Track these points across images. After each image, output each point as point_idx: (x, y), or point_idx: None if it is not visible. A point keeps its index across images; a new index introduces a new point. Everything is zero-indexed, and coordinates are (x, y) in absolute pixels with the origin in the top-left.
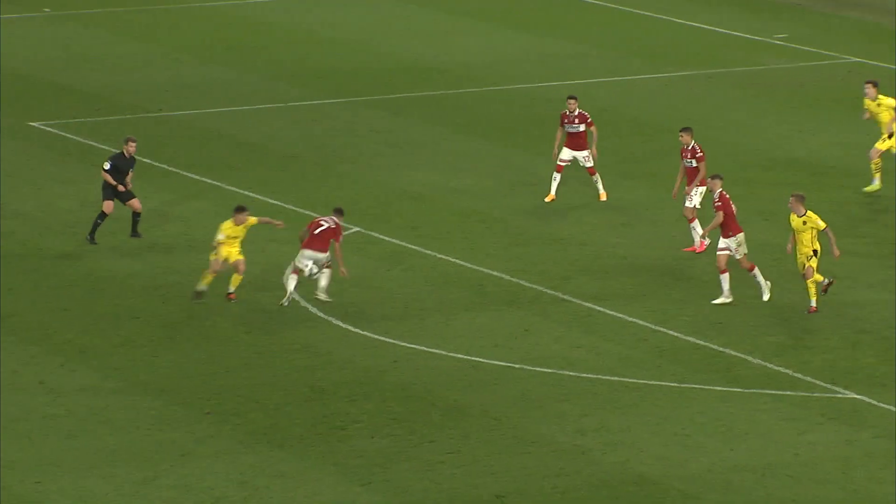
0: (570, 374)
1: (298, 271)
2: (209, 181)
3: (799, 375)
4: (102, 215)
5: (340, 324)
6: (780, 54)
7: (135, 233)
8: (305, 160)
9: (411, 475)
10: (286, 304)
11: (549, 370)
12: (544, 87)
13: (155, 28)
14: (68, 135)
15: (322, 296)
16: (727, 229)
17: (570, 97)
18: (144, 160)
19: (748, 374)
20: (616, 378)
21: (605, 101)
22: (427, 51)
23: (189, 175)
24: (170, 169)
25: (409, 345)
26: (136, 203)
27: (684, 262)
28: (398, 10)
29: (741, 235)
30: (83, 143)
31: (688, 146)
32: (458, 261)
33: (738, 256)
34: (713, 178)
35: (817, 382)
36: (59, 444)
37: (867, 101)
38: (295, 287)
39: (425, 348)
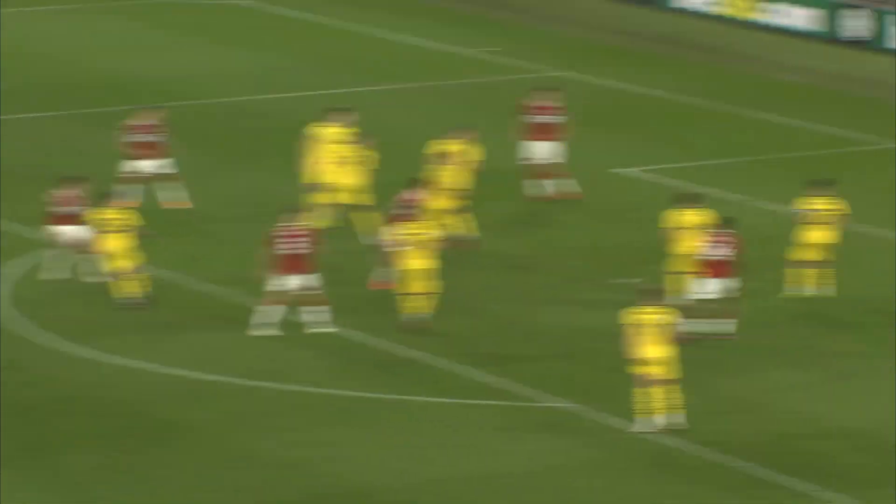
0: (283, 387)
1: None
2: None
3: (513, 386)
4: None
5: (48, 340)
6: (488, 69)
7: None
8: (13, 175)
9: (120, 492)
10: None
11: (262, 384)
12: (246, 101)
13: None
14: None
15: None
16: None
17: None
18: None
19: (462, 384)
20: (329, 391)
21: (311, 115)
22: (128, 65)
23: None
24: None
25: (121, 360)
26: None
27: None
28: (102, 23)
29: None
30: None
31: None
32: (171, 272)
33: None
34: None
35: (531, 392)
36: None
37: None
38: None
39: (137, 364)
